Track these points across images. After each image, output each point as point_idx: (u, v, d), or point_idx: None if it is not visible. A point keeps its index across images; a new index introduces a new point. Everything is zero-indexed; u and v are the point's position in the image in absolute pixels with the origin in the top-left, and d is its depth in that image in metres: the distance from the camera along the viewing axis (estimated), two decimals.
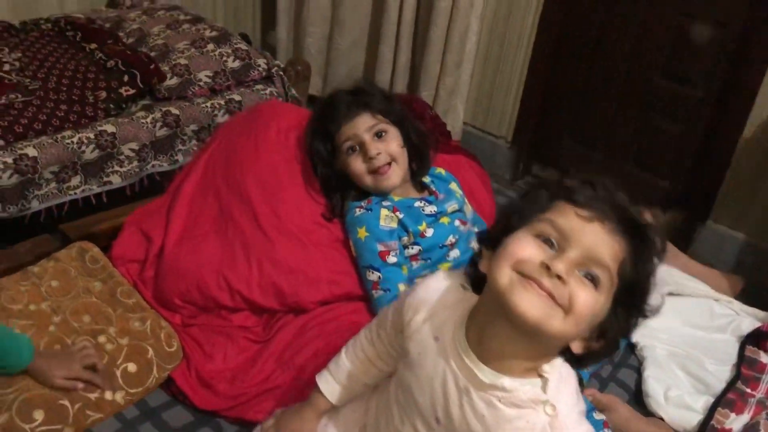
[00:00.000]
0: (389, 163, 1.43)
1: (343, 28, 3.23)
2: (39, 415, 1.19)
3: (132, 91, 2.27)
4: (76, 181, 2.11)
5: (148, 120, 2.23)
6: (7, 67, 2.23)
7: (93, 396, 1.25)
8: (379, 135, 1.44)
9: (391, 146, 1.43)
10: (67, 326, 1.33)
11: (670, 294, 1.74)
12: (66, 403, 1.22)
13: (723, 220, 2.65)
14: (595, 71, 2.85)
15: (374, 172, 1.43)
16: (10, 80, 2.17)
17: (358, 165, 1.43)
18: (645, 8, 2.65)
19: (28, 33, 2.48)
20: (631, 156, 2.91)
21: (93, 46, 2.43)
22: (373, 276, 1.39)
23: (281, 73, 2.62)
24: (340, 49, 3.27)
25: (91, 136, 2.11)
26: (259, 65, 2.56)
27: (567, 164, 3.09)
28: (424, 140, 1.51)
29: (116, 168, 2.19)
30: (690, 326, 1.69)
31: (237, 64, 2.51)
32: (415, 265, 1.43)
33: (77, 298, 1.37)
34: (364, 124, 1.43)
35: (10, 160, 1.95)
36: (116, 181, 2.20)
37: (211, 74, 2.44)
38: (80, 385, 1.24)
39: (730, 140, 2.54)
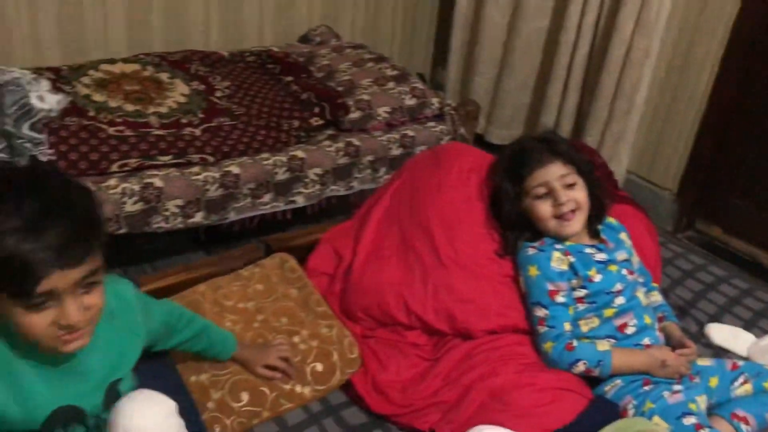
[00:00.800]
0: (574, 210, 1.56)
1: (513, 71, 3.37)
2: (245, 397, 1.42)
3: (321, 122, 2.55)
4: (267, 197, 2.40)
5: (332, 149, 2.49)
6: (218, 94, 2.59)
7: (287, 387, 1.47)
8: (568, 184, 1.57)
9: (578, 195, 1.56)
10: (268, 325, 1.56)
11: None
12: (266, 390, 1.45)
13: None
14: None
15: (559, 217, 1.55)
16: (220, 106, 2.53)
17: (545, 209, 1.57)
18: None
19: (236, 64, 2.85)
20: None
21: (289, 78, 2.75)
22: (541, 312, 1.51)
23: (452, 112, 2.81)
24: (507, 90, 3.42)
25: (284, 159, 2.40)
26: (433, 104, 2.77)
27: (734, 223, 3.02)
28: (604, 191, 1.62)
29: (301, 189, 2.46)
30: None
31: (413, 102, 2.73)
32: (580, 307, 1.53)
33: (277, 302, 1.61)
34: (556, 172, 1.57)
35: (217, 176, 2.26)
36: (300, 201, 2.48)
37: (389, 110, 2.68)
38: (278, 375, 1.47)
39: None
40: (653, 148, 3.14)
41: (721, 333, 1.83)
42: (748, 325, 1.89)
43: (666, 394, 1.41)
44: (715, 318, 1.90)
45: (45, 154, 2.09)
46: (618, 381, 1.48)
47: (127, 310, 1.18)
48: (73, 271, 0.97)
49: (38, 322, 0.98)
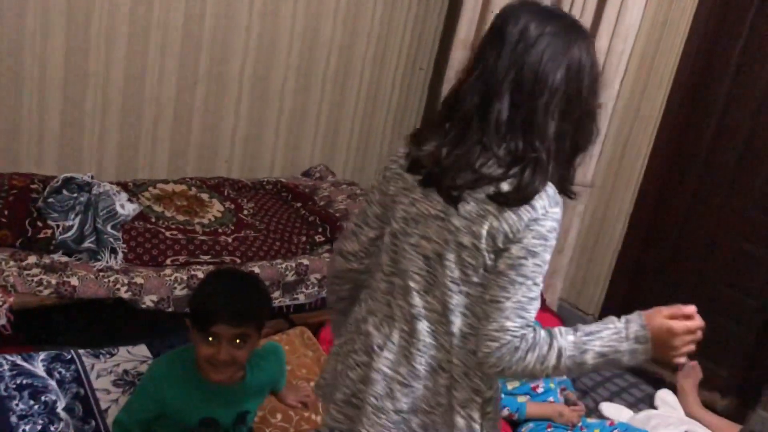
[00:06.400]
0: None
1: None
2: (279, 416, 2.15)
3: (323, 239, 3.39)
4: (277, 294, 3.17)
5: (330, 259, 3.31)
6: (245, 212, 3.43)
7: (305, 414, 2.20)
8: None
9: None
10: (294, 373, 2.31)
11: None
12: (292, 414, 2.18)
13: None
14: (669, 275, 3.73)
15: None
16: (246, 221, 3.36)
17: None
18: (712, 231, 3.55)
19: (257, 190, 3.72)
20: (699, 347, 3.66)
21: (299, 204, 3.62)
22: None
23: None
24: None
25: (293, 264, 3.19)
26: None
27: None
28: None
29: (303, 290, 3.24)
30: None
31: None
32: None
33: (299, 358, 2.37)
34: None
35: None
36: (301, 299, 3.24)
37: None
38: (300, 406, 2.20)
39: None
40: (581, 281, 4.04)
41: (609, 408, 2.62)
42: (630, 406, 2.70)
43: None
44: (608, 399, 2.71)
45: (120, 247, 2.87)
46: (530, 424, 2.24)
47: (272, 369, 1.92)
48: (233, 329, 1.70)
49: (204, 351, 1.71)
